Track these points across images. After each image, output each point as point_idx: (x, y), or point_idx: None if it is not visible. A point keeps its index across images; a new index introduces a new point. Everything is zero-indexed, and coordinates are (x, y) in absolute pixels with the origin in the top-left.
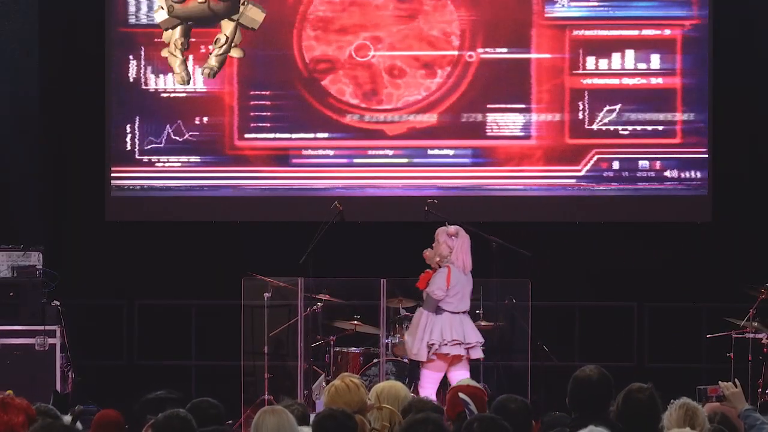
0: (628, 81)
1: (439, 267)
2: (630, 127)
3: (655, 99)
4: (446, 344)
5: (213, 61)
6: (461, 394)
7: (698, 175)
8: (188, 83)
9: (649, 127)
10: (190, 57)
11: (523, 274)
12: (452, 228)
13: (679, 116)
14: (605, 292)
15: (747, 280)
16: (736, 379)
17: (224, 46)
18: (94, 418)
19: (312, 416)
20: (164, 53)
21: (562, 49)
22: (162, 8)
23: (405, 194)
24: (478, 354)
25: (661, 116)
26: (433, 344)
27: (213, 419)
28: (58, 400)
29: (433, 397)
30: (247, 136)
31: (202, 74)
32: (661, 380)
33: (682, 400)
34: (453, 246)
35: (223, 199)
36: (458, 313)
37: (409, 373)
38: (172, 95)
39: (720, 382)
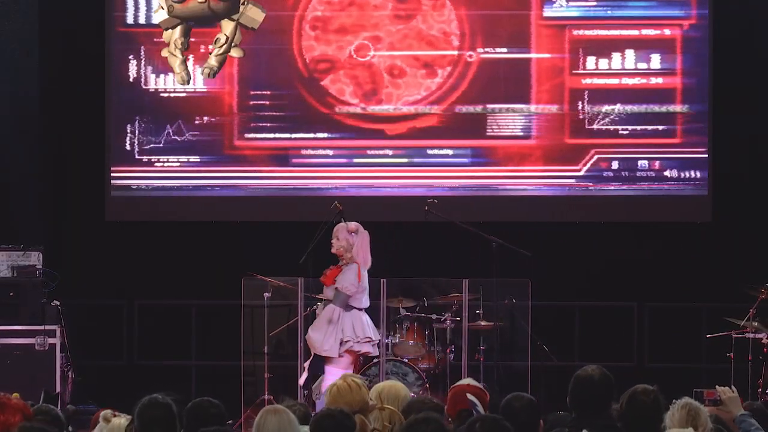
0: (628, 81)
1: (348, 263)
2: (630, 127)
3: (655, 99)
4: (358, 341)
5: (213, 61)
6: (469, 395)
7: (698, 175)
8: (188, 83)
9: (649, 127)
10: (190, 57)
11: (523, 274)
12: (352, 224)
13: (679, 116)
14: (605, 292)
15: (747, 280)
16: (733, 386)
17: (224, 46)
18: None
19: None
20: (164, 53)
21: (561, 48)
22: (162, 8)
23: (405, 194)
24: (375, 351)
25: (661, 116)
26: (347, 341)
27: (214, 419)
28: (48, 400)
29: None
30: (247, 136)
31: (202, 74)
32: (661, 380)
33: (685, 400)
34: (353, 243)
35: (222, 199)
36: (363, 309)
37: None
38: (172, 95)
39: (717, 386)
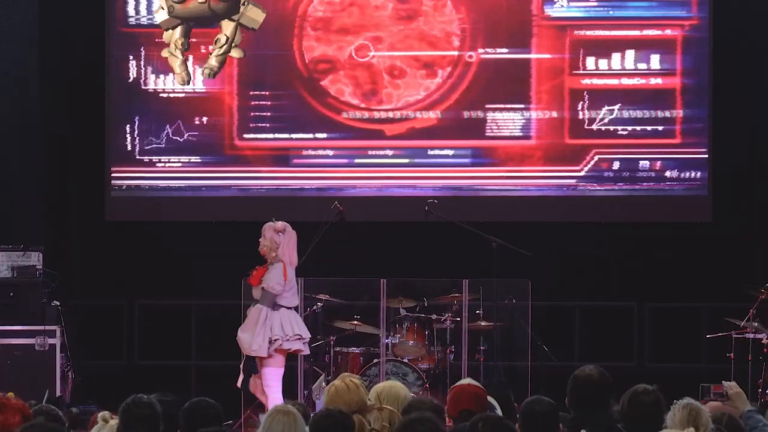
0: (627, 81)
1: (273, 262)
2: (630, 128)
3: (655, 99)
4: (288, 339)
5: (213, 61)
6: (489, 398)
7: (698, 175)
8: (188, 83)
9: (649, 127)
10: (190, 57)
11: (523, 274)
12: (279, 224)
13: (679, 116)
14: (605, 292)
15: (747, 280)
16: (734, 382)
17: (224, 46)
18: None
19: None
20: (164, 53)
21: (562, 49)
22: (162, 8)
23: (405, 194)
24: (306, 349)
25: (660, 116)
26: (276, 340)
27: (211, 419)
28: (51, 402)
29: (280, 394)
30: (246, 136)
31: (202, 74)
32: (661, 380)
33: (686, 401)
34: (280, 242)
35: (222, 199)
36: (291, 308)
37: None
38: (172, 95)
39: (723, 381)
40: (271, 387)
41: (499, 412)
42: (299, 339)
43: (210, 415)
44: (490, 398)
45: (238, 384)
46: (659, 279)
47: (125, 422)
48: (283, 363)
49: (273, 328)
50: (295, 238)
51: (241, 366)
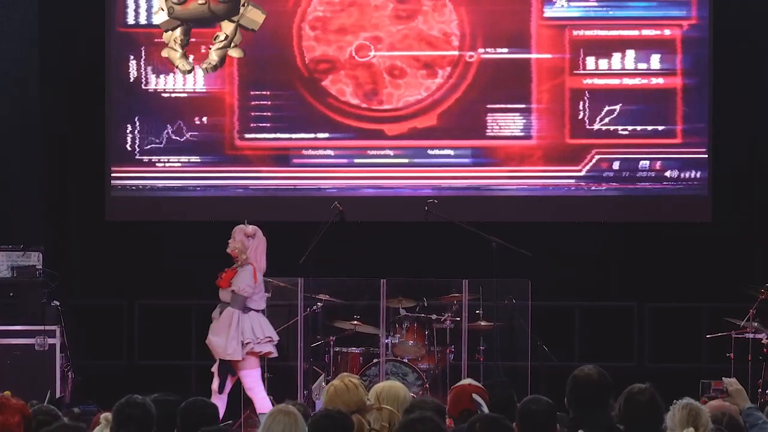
0: (628, 81)
1: (243, 265)
2: (630, 127)
3: (655, 99)
4: (259, 342)
5: (213, 56)
6: (475, 396)
7: (698, 175)
8: (190, 72)
9: (649, 127)
10: (190, 57)
11: (523, 274)
12: (250, 228)
13: (679, 116)
14: (605, 292)
15: (747, 280)
16: (734, 378)
17: (224, 42)
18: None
19: None
20: (164, 53)
21: (562, 49)
22: (162, 10)
23: (405, 194)
24: (275, 351)
25: (661, 116)
26: (248, 343)
27: (208, 419)
28: (52, 403)
29: (265, 393)
30: (247, 136)
31: (202, 69)
32: (661, 380)
33: (685, 401)
34: (249, 246)
35: (223, 199)
36: (260, 311)
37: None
38: (172, 95)
39: (723, 378)
40: (254, 390)
41: (485, 409)
42: (270, 341)
43: (206, 414)
44: (476, 396)
45: (214, 387)
46: (659, 279)
47: (118, 422)
48: (258, 363)
49: (244, 332)
50: (265, 244)
51: (215, 369)
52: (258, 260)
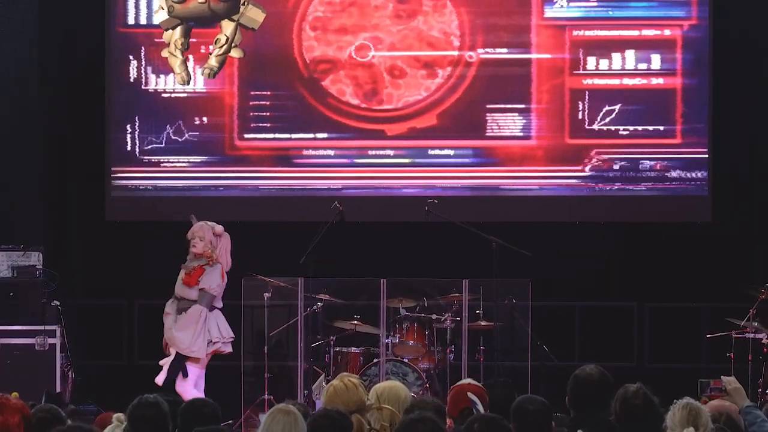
0: (628, 81)
1: (212, 264)
2: (630, 128)
3: (655, 99)
4: (224, 341)
5: (213, 61)
6: (470, 394)
7: (698, 175)
8: (188, 83)
9: (650, 127)
10: (190, 57)
11: (523, 274)
12: (218, 228)
13: (679, 116)
14: (605, 292)
15: (747, 280)
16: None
17: (224, 46)
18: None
19: None
20: (164, 53)
21: (562, 49)
22: (162, 9)
23: (405, 194)
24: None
25: (661, 116)
26: (216, 342)
27: (207, 418)
28: (51, 400)
29: (203, 393)
30: (247, 136)
31: (203, 74)
32: (661, 380)
33: (685, 401)
34: (216, 245)
35: (223, 199)
36: (220, 309)
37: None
38: (172, 95)
39: (722, 376)
40: (198, 386)
41: (480, 408)
42: (231, 341)
43: (206, 414)
44: (470, 394)
45: (159, 381)
46: (659, 279)
47: (132, 424)
48: (206, 363)
49: (211, 331)
50: (230, 243)
51: (167, 363)
52: (225, 258)
